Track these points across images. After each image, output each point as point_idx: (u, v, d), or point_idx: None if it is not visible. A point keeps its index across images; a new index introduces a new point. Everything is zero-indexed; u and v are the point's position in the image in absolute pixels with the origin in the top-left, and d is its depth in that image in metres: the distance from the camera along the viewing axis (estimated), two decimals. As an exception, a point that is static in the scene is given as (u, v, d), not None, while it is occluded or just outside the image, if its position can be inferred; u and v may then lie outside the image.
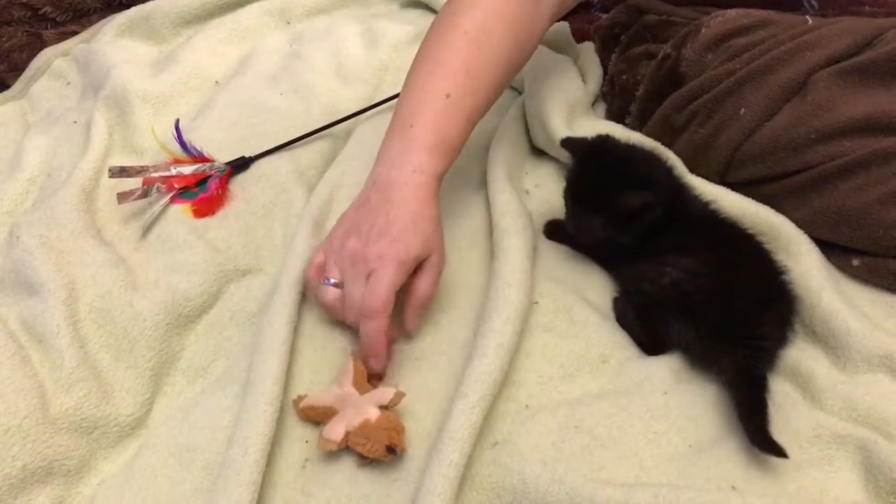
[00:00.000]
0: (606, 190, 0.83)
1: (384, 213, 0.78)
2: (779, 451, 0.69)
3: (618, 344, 0.82)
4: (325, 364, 0.80)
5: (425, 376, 0.79)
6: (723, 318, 0.77)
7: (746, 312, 0.78)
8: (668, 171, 0.90)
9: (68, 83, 1.17)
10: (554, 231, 0.94)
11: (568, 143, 0.90)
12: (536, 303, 0.85)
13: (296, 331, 0.81)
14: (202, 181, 0.98)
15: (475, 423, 0.70)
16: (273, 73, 1.14)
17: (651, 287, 0.81)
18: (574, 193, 0.87)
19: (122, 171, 0.94)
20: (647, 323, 0.83)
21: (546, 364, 0.80)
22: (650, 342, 0.82)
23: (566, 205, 0.88)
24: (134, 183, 0.95)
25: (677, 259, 0.80)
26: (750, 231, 0.85)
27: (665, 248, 0.82)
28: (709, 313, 0.78)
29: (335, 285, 0.79)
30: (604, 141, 0.89)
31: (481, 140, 1.07)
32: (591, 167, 0.87)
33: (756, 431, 0.70)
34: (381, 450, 0.71)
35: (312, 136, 1.05)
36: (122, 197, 0.92)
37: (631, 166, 0.86)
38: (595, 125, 1.03)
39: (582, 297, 0.87)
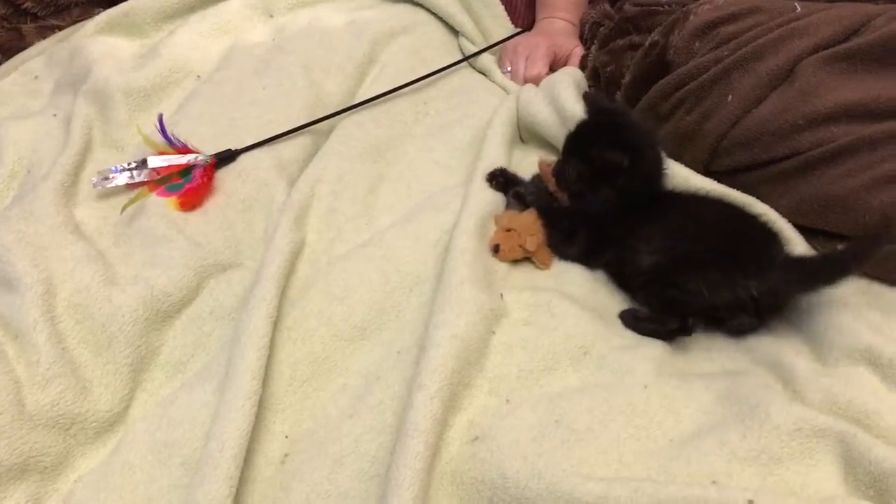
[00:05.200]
0: (592, 144, 0.88)
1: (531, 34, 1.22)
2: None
3: (598, 335, 0.81)
4: (304, 359, 0.80)
5: (406, 370, 0.78)
6: (733, 252, 0.79)
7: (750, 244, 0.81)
8: (657, 153, 0.91)
9: (36, 77, 1.16)
10: (518, 195, 0.96)
11: (588, 97, 0.97)
12: (501, 296, 0.84)
13: (275, 325, 0.80)
14: (186, 171, 0.97)
15: (436, 413, 0.70)
16: (255, 67, 1.12)
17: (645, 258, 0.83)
18: (567, 142, 0.92)
19: (104, 180, 0.94)
20: (656, 300, 0.83)
21: (527, 358, 0.79)
22: (673, 325, 0.82)
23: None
24: (120, 187, 0.95)
25: (659, 228, 0.82)
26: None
27: (646, 222, 0.84)
28: (714, 260, 0.79)
29: (509, 72, 1.18)
30: (616, 109, 0.97)
31: (463, 137, 1.07)
32: (593, 125, 0.92)
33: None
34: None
35: (295, 131, 1.04)
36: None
37: (626, 133, 0.89)
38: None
39: (561, 290, 0.86)
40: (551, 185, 0.94)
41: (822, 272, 0.78)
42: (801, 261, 0.81)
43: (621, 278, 0.88)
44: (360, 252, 0.89)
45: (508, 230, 0.90)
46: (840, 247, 0.81)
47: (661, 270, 0.80)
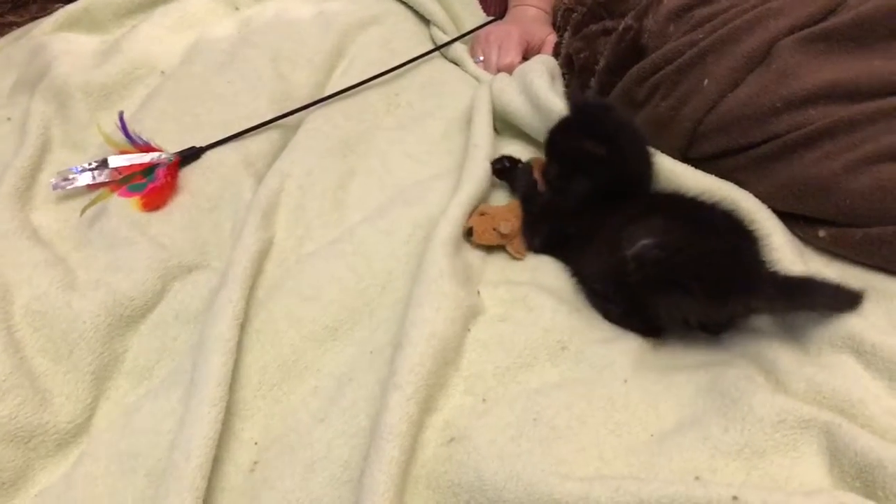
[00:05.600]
0: (572, 137, 0.86)
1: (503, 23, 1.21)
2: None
3: (576, 329, 0.79)
4: (273, 362, 0.77)
5: (379, 370, 0.75)
6: (710, 266, 0.74)
7: (732, 252, 0.76)
8: (643, 148, 0.88)
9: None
10: (501, 171, 0.95)
11: (570, 93, 0.97)
12: (478, 292, 0.81)
13: (243, 328, 0.78)
14: (149, 171, 0.93)
15: (412, 415, 0.68)
16: (221, 61, 1.09)
17: (620, 265, 0.78)
18: (549, 138, 0.90)
19: (64, 182, 0.91)
20: (628, 305, 0.80)
21: (504, 354, 0.77)
22: (647, 326, 0.80)
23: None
24: (81, 189, 0.91)
25: (641, 229, 0.77)
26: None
27: (626, 222, 0.80)
28: (695, 270, 0.74)
29: (481, 61, 1.16)
30: (601, 104, 0.95)
31: (436, 128, 1.05)
32: (574, 120, 0.89)
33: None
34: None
35: (262, 127, 1.01)
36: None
37: (607, 126, 0.86)
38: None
39: (537, 283, 0.84)
40: (541, 182, 0.93)
41: (814, 293, 0.75)
42: (792, 281, 0.75)
43: (581, 276, 0.85)
44: (330, 249, 0.87)
45: (483, 214, 0.88)
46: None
47: (638, 279, 0.76)
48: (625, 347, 0.77)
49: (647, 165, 0.88)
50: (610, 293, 0.81)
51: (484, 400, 0.73)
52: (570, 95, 0.95)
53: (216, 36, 1.16)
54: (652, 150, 0.89)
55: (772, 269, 0.76)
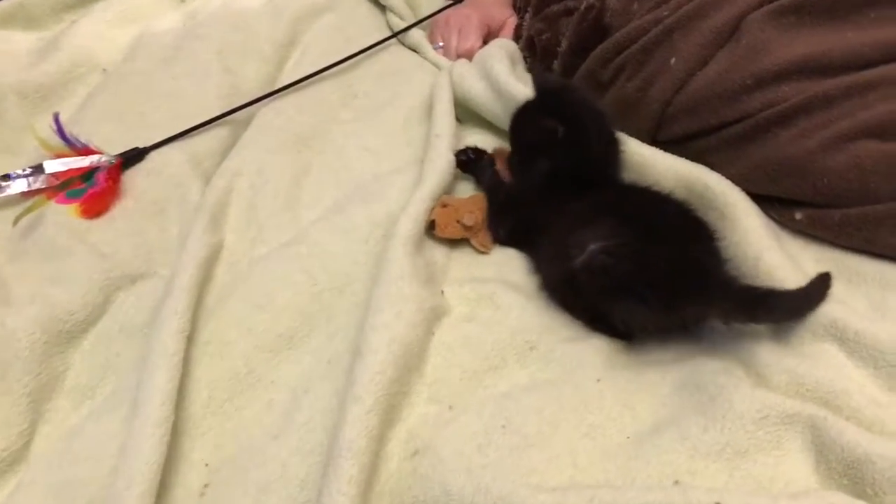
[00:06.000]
0: (531, 118, 0.83)
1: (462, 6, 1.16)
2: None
3: (545, 327, 0.75)
4: (223, 376, 0.72)
5: (337, 380, 0.71)
6: (664, 274, 0.70)
7: (685, 258, 0.71)
8: (606, 128, 0.84)
9: None
10: (465, 163, 0.91)
11: (534, 74, 0.93)
12: (442, 292, 0.77)
13: (190, 340, 0.73)
14: (88, 175, 0.88)
15: (373, 429, 0.63)
16: (165, 56, 1.04)
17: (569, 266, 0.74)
18: (511, 122, 0.86)
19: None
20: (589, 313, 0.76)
21: (470, 357, 0.72)
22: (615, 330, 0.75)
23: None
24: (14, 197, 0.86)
25: (590, 233, 0.73)
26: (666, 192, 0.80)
27: (584, 214, 0.76)
28: (645, 276, 0.70)
29: (441, 47, 1.12)
30: (565, 85, 0.91)
31: (395, 119, 1.00)
32: (537, 101, 0.86)
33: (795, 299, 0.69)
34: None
35: (210, 124, 0.95)
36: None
37: (568, 107, 0.83)
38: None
39: (504, 280, 0.80)
40: (505, 174, 0.89)
41: (775, 308, 0.69)
42: (752, 293, 0.69)
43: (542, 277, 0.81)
44: (283, 252, 0.82)
45: (445, 206, 0.83)
46: (793, 290, 0.70)
47: (588, 287, 0.72)
48: (596, 345, 0.73)
49: (611, 147, 0.84)
50: (568, 303, 0.76)
51: (450, 407, 0.69)
52: (534, 77, 0.91)
53: (160, 29, 1.10)
54: (618, 132, 0.85)
55: (731, 275, 0.71)
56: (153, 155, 0.91)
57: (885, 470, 0.59)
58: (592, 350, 0.73)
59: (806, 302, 0.69)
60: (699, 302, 0.68)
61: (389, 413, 0.66)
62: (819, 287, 0.70)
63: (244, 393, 0.72)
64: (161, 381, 0.67)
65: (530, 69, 1.01)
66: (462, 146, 0.93)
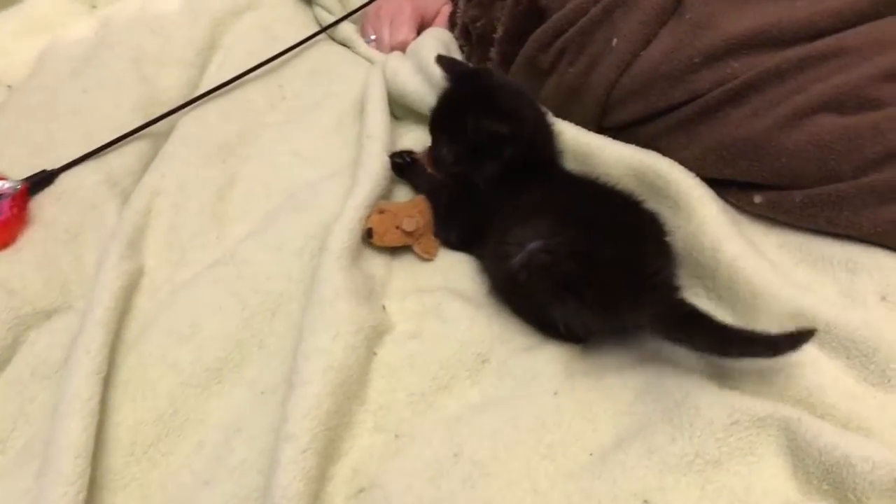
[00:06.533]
0: (464, 115, 0.77)
1: None
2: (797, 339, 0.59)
3: (497, 338, 0.70)
4: (147, 418, 0.65)
5: (272, 414, 0.64)
6: (604, 275, 0.65)
7: (626, 258, 0.66)
8: (539, 113, 0.81)
9: None
10: (401, 167, 0.85)
11: (442, 61, 0.85)
12: (384, 307, 0.71)
13: (107, 381, 0.66)
14: (-10, 205, 0.81)
15: (310, 470, 0.58)
16: (75, 68, 0.96)
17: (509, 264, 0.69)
18: (435, 117, 0.81)
19: None
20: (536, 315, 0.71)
21: (417, 378, 0.67)
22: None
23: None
24: None
25: (529, 230, 0.68)
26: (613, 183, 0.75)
27: (524, 211, 0.71)
28: (586, 276, 0.65)
29: (373, 40, 1.05)
30: (479, 71, 0.87)
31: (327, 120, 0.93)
32: (459, 94, 0.81)
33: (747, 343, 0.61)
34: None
35: (126, 139, 0.88)
36: None
37: (498, 97, 0.80)
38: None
39: (450, 289, 0.74)
40: (431, 169, 0.84)
41: (703, 336, 0.62)
42: (681, 311, 0.63)
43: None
44: (209, 274, 0.75)
45: (382, 212, 0.77)
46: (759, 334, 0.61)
47: (528, 286, 0.67)
48: (552, 353, 0.68)
49: (545, 132, 0.80)
50: (514, 306, 0.71)
51: (396, 436, 0.63)
52: (442, 62, 0.85)
53: (70, 40, 1.02)
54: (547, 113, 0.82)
55: (670, 284, 0.66)
56: (64, 177, 0.84)
57: (866, 473, 0.55)
58: (547, 358, 0.68)
59: (750, 347, 0.61)
60: (634, 307, 0.63)
61: (329, 449, 0.61)
62: (789, 340, 0.60)
63: (171, 436, 0.65)
64: (74, 432, 0.60)
65: (468, 59, 0.95)
66: (398, 146, 0.87)
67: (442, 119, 0.80)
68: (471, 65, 0.93)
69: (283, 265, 0.76)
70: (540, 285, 0.66)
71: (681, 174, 0.75)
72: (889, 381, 0.62)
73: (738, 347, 0.61)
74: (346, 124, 0.93)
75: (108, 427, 0.64)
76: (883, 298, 0.67)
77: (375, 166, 0.81)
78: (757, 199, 0.75)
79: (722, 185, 0.76)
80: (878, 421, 0.60)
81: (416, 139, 0.90)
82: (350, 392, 0.64)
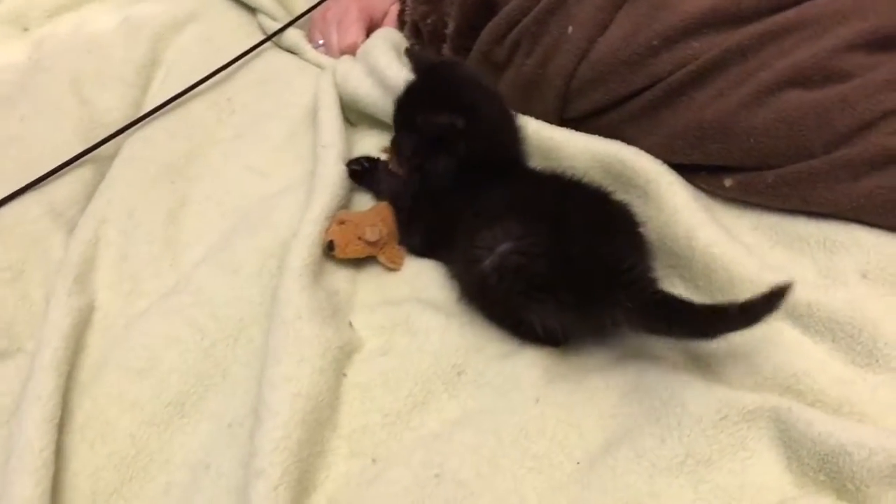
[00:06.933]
0: (421, 109, 0.74)
1: None
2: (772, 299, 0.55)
3: (471, 346, 0.67)
4: (107, 463, 0.61)
5: (241, 447, 0.61)
6: (576, 274, 0.62)
7: (600, 254, 0.63)
8: (503, 110, 0.77)
9: None
10: (360, 174, 0.81)
11: (410, 53, 0.85)
12: (350, 324, 0.68)
13: (62, 427, 0.62)
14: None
15: (283, 505, 0.54)
16: (8, 95, 0.91)
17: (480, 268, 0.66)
18: (397, 109, 0.78)
19: None
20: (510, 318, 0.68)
21: (391, 397, 0.64)
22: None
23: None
24: None
25: (499, 231, 0.65)
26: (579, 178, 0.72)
27: (492, 212, 0.68)
28: (559, 275, 0.63)
29: (321, 45, 1.01)
30: (445, 63, 0.85)
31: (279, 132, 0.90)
32: (420, 86, 0.78)
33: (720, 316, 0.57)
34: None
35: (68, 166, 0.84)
36: None
37: (457, 90, 0.77)
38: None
39: (419, 298, 0.71)
40: (393, 163, 0.80)
41: (685, 324, 0.59)
42: (663, 302, 0.60)
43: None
44: (164, 304, 0.71)
45: (343, 223, 0.74)
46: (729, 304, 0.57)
47: (501, 291, 0.64)
48: (530, 358, 0.65)
49: (509, 129, 0.77)
50: (486, 311, 0.68)
51: (374, 460, 0.60)
52: (410, 56, 0.84)
53: (2, 66, 0.97)
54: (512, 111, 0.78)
55: (647, 277, 0.63)
56: (3, 212, 0.79)
57: (863, 460, 0.53)
58: (526, 364, 0.65)
59: (729, 321, 0.57)
60: (612, 303, 0.60)
61: (303, 481, 0.57)
62: (764, 303, 0.56)
63: (135, 479, 0.61)
64: (28, 488, 0.56)
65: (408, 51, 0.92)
66: (355, 152, 0.84)
67: (400, 112, 0.77)
68: (439, 57, 0.89)
69: (241, 288, 0.72)
70: (513, 288, 0.63)
71: (648, 162, 0.72)
72: (877, 360, 0.61)
73: (718, 325, 0.58)
74: (299, 134, 0.89)
75: (65, 477, 0.61)
76: (863, 276, 0.65)
77: (332, 176, 0.78)
78: (728, 182, 0.73)
79: (691, 171, 0.74)
80: (870, 404, 0.58)
81: (373, 144, 0.87)
82: (321, 418, 0.61)
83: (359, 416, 0.63)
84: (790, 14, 0.70)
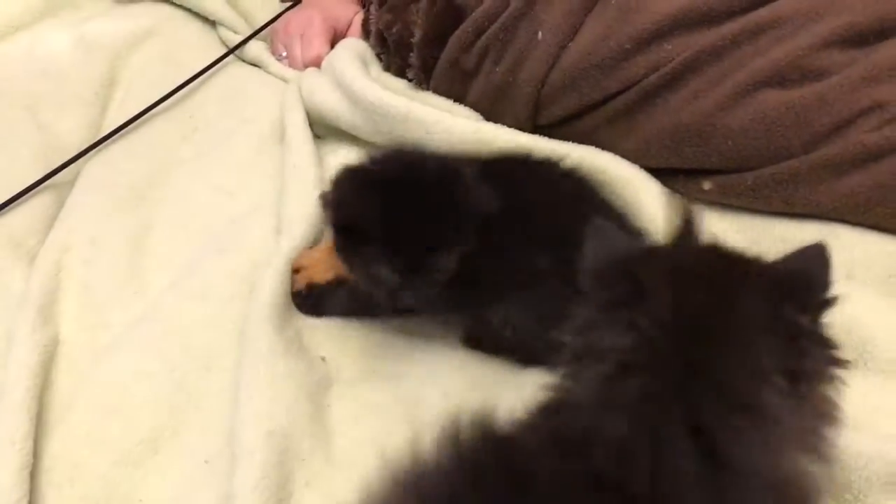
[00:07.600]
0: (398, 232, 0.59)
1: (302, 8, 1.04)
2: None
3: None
4: (79, 507, 0.59)
5: (220, 486, 0.58)
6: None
7: None
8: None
9: None
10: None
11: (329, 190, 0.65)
12: (323, 358, 0.66)
13: (33, 473, 0.59)
14: None
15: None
16: (-41, 125, 0.88)
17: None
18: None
19: None
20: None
21: (380, 425, 0.61)
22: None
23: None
24: None
25: None
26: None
27: None
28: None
29: (285, 57, 0.99)
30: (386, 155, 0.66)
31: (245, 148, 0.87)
32: (381, 199, 0.59)
33: None
34: None
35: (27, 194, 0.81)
36: None
37: (432, 189, 0.60)
38: (388, 81, 0.87)
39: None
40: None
41: None
42: None
43: None
44: (131, 335, 0.69)
45: (297, 270, 0.71)
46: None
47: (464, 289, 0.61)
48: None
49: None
50: None
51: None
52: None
53: (-49, 96, 0.94)
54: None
55: None
56: (-41, 246, 0.76)
57: (860, 469, 0.52)
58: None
59: None
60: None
61: (285, 518, 0.55)
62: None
63: (108, 523, 0.59)
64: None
65: (388, 68, 0.89)
66: (324, 166, 0.81)
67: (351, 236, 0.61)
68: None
69: (211, 315, 0.70)
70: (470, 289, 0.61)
71: (624, 168, 0.71)
72: (866, 364, 0.60)
73: None
74: (265, 151, 0.87)
75: (34, 525, 0.58)
76: (849, 276, 0.64)
77: (304, 207, 0.75)
78: (706, 185, 0.71)
79: (668, 175, 0.73)
80: (862, 410, 0.56)
81: (341, 157, 0.84)
82: (301, 454, 0.58)
83: (351, 448, 0.61)
84: (763, 12, 0.69)
